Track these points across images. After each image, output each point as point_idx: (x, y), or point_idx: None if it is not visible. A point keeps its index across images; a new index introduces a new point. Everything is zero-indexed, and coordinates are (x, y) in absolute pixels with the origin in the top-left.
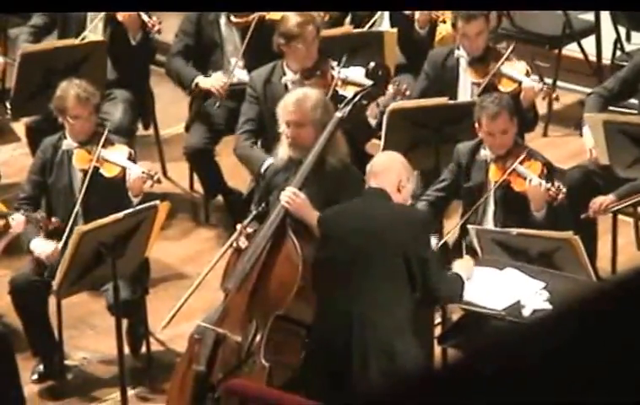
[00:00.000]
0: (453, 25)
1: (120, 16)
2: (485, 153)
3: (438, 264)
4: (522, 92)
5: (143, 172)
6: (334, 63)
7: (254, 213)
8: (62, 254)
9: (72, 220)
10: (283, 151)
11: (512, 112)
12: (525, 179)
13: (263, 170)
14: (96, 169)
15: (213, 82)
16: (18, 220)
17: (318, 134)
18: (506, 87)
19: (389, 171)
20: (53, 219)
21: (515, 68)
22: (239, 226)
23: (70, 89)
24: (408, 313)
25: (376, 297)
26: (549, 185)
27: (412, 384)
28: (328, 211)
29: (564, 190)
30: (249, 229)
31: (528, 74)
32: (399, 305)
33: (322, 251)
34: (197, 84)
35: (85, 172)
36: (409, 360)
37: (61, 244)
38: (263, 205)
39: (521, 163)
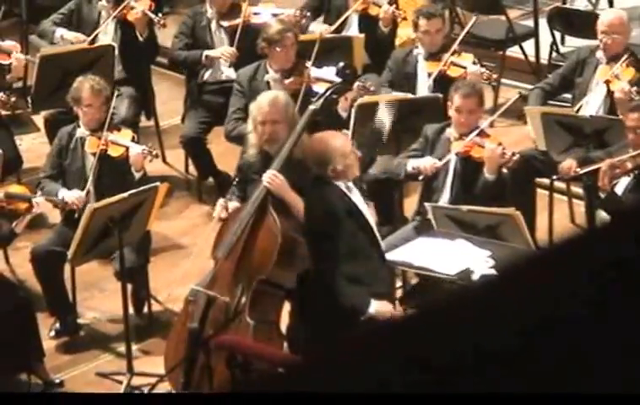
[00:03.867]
0: (415, 25)
1: (130, 16)
2: (449, 131)
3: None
4: (467, 76)
5: (143, 149)
6: (309, 63)
7: (233, 190)
8: (75, 228)
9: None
10: (252, 151)
11: (482, 100)
12: (484, 147)
13: (238, 164)
14: (104, 151)
15: (221, 50)
16: (40, 202)
17: (290, 130)
18: (454, 72)
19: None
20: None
21: (463, 58)
22: (221, 200)
23: (85, 82)
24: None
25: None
26: (505, 150)
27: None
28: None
29: (517, 156)
30: (229, 205)
31: (474, 63)
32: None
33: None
34: (207, 56)
35: (96, 155)
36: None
37: (84, 193)
38: (238, 186)
39: (480, 136)
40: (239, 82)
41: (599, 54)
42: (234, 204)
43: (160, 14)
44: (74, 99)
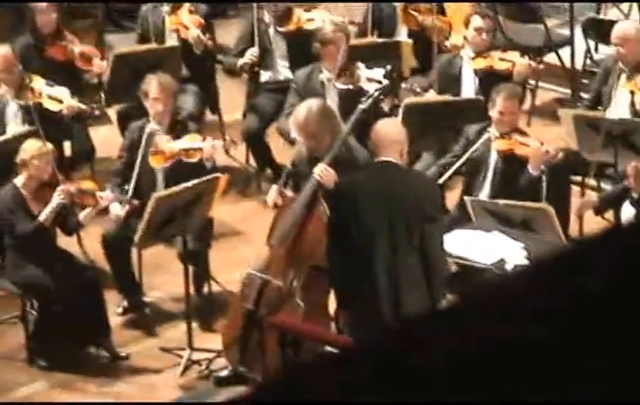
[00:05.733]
0: (466, 23)
1: (182, 34)
2: (490, 131)
3: (442, 232)
4: (515, 69)
5: (214, 143)
6: (361, 65)
7: (284, 178)
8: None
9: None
10: (303, 151)
11: (521, 102)
12: (528, 145)
13: (292, 158)
14: (179, 159)
15: (247, 55)
16: (107, 197)
17: (331, 133)
18: (501, 66)
19: (394, 143)
20: (134, 202)
21: (509, 54)
22: (275, 186)
23: (154, 78)
24: (416, 271)
25: (398, 264)
26: (548, 148)
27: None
28: (347, 182)
29: (561, 154)
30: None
31: (522, 56)
32: (412, 265)
33: (343, 221)
34: (240, 66)
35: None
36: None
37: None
38: (291, 178)
39: (521, 135)
40: (296, 81)
41: (621, 63)
42: (288, 193)
43: (207, 34)
44: (144, 92)
